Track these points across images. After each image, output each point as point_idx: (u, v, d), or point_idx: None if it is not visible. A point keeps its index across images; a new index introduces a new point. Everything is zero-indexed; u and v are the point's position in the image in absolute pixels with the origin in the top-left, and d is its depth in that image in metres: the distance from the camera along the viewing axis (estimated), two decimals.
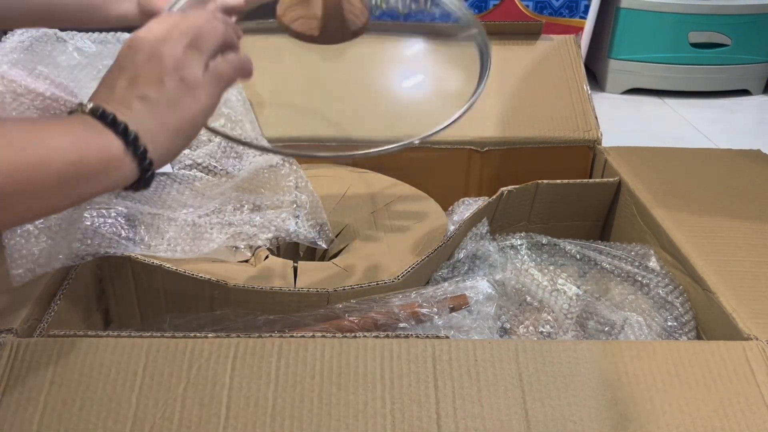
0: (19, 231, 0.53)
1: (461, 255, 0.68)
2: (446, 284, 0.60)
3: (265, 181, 0.70)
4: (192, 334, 0.47)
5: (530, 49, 0.92)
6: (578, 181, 0.78)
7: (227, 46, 0.44)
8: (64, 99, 0.59)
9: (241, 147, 0.75)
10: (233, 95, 0.76)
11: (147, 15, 0.55)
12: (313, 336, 0.47)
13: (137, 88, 0.40)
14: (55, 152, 0.35)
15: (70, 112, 0.39)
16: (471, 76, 0.54)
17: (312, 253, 0.71)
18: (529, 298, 0.66)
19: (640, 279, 0.67)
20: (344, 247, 0.68)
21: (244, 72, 0.45)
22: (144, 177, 0.39)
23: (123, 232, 0.59)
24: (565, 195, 0.78)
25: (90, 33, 0.77)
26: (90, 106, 0.38)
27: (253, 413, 0.43)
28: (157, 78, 0.40)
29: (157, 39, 0.41)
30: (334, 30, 0.55)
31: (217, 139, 0.74)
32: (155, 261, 0.58)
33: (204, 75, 0.41)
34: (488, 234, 0.71)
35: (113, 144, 0.37)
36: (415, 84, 0.65)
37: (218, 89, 0.43)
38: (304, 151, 0.78)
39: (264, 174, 0.71)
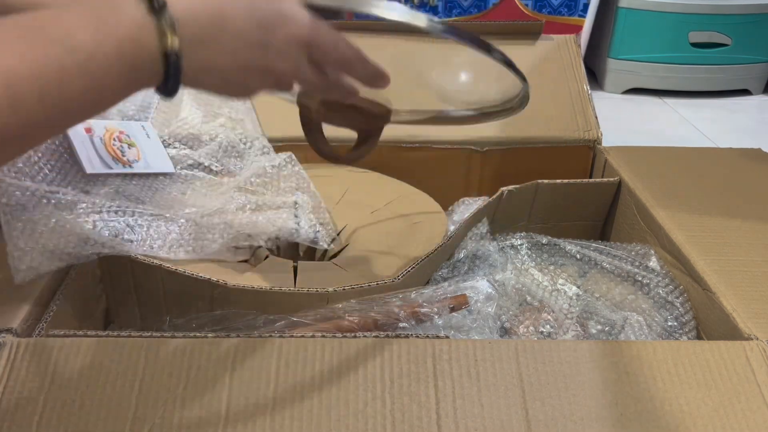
0: (21, 228, 0.53)
1: (461, 255, 0.68)
2: (446, 284, 0.60)
3: (267, 181, 0.70)
4: (192, 334, 0.47)
5: (530, 49, 0.92)
6: (578, 181, 0.78)
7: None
8: None
9: (242, 146, 0.75)
10: None
11: None
12: (313, 336, 0.47)
13: (241, 39, 0.36)
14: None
15: None
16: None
17: (312, 253, 0.71)
18: (529, 298, 0.66)
19: (640, 279, 0.67)
20: (344, 247, 0.68)
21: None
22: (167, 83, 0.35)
23: (124, 233, 0.59)
24: (565, 195, 0.78)
25: None
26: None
27: (253, 413, 0.43)
28: (263, 62, 0.37)
29: (306, 41, 0.38)
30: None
31: (218, 139, 0.74)
32: (155, 261, 0.58)
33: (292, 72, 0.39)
34: (488, 234, 0.71)
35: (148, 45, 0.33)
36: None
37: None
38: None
39: (266, 174, 0.71)
